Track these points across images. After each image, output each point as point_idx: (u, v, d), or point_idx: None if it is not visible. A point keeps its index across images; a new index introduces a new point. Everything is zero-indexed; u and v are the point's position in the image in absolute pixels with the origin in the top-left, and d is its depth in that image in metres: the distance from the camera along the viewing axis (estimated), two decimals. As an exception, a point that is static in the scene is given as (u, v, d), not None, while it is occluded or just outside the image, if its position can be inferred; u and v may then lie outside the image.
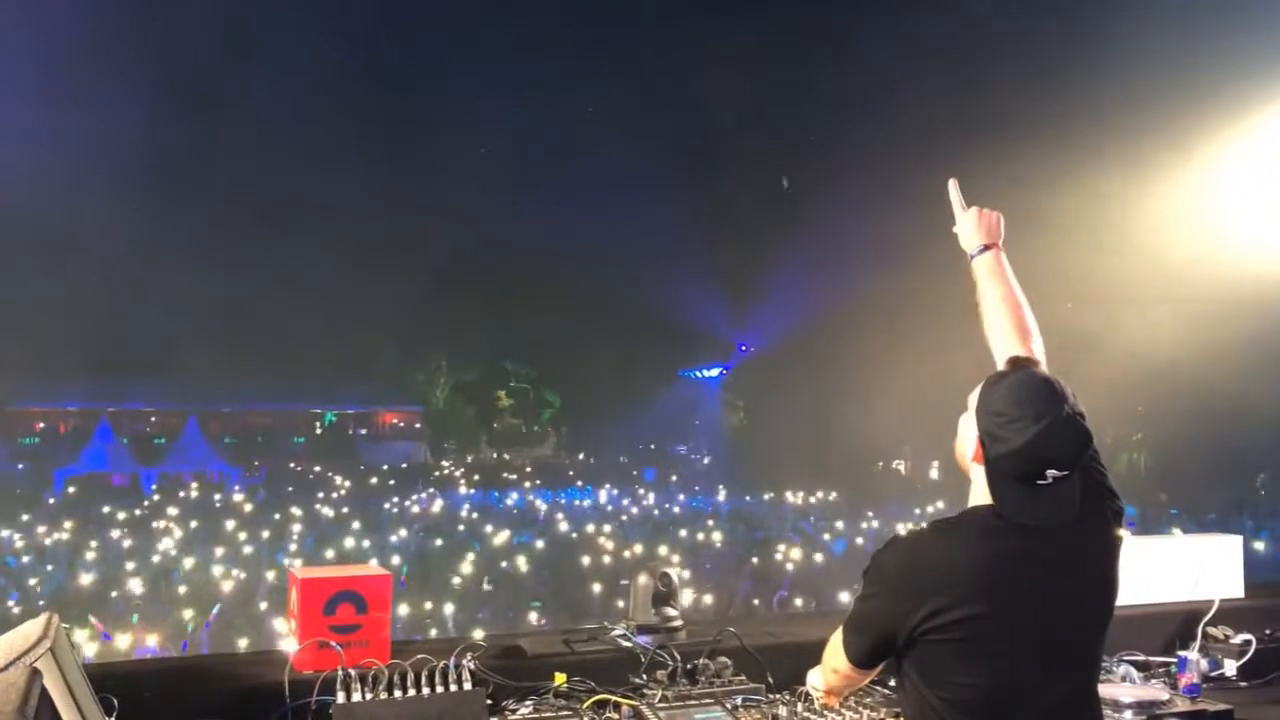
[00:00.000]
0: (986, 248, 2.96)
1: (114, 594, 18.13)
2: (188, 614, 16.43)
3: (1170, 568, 4.46)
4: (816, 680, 2.75)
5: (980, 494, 2.39)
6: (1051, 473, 2.26)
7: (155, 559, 22.15)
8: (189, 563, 21.62)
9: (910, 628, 2.30)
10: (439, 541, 24.92)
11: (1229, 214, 16.03)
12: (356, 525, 27.19)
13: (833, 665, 2.59)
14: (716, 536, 26.09)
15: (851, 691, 3.03)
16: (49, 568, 21.22)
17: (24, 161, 40.43)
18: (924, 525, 2.52)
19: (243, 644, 14.49)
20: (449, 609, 17.33)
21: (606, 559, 22.36)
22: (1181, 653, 3.79)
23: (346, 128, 60.03)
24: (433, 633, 15.31)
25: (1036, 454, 2.26)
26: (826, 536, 26.20)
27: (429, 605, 17.46)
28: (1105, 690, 3.53)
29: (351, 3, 61.76)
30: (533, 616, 16.45)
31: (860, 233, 39.00)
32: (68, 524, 26.61)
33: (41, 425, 47.81)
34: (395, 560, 21.21)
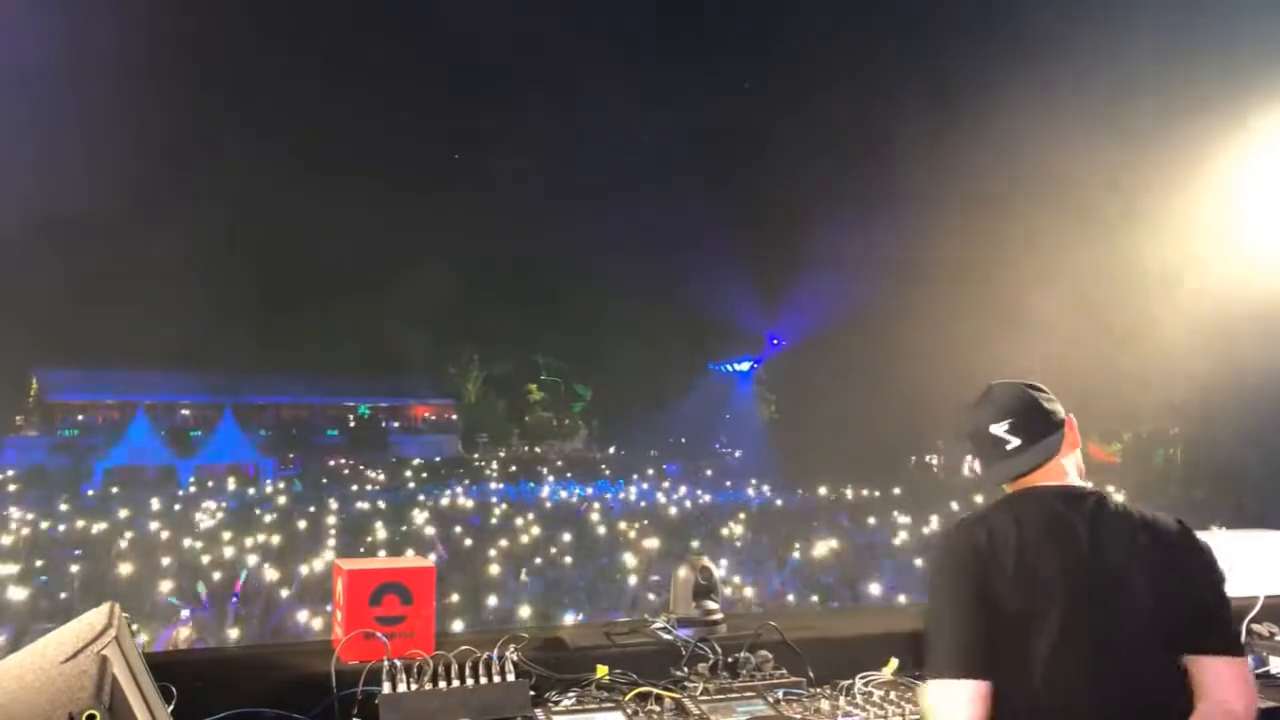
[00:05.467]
0: None
1: (151, 584, 18.38)
2: (231, 604, 16.64)
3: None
4: None
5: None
6: (995, 428, 2.53)
7: (192, 550, 22.42)
8: (225, 553, 21.89)
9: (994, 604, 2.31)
10: (470, 537, 25.05)
11: (1261, 208, 15.91)
12: (390, 517, 27.39)
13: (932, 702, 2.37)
14: (747, 531, 26.07)
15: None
16: (86, 558, 21.56)
17: (58, 154, 41.00)
18: (960, 517, 2.56)
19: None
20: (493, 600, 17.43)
21: (636, 552, 22.40)
22: (1225, 650, 3.74)
23: (381, 129, 60.39)
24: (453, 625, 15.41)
25: (976, 422, 2.56)
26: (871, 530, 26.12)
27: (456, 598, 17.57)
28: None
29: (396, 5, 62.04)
30: (568, 615, 16.49)
31: (893, 229, 38.77)
32: (109, 515, 27.00)
33: (81, 417, 48.44)
34: (431, 557, 21.35)
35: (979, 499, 31.68)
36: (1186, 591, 2.41)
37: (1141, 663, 2.34)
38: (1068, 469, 2.56)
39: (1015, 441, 2.51)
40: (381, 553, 21.16)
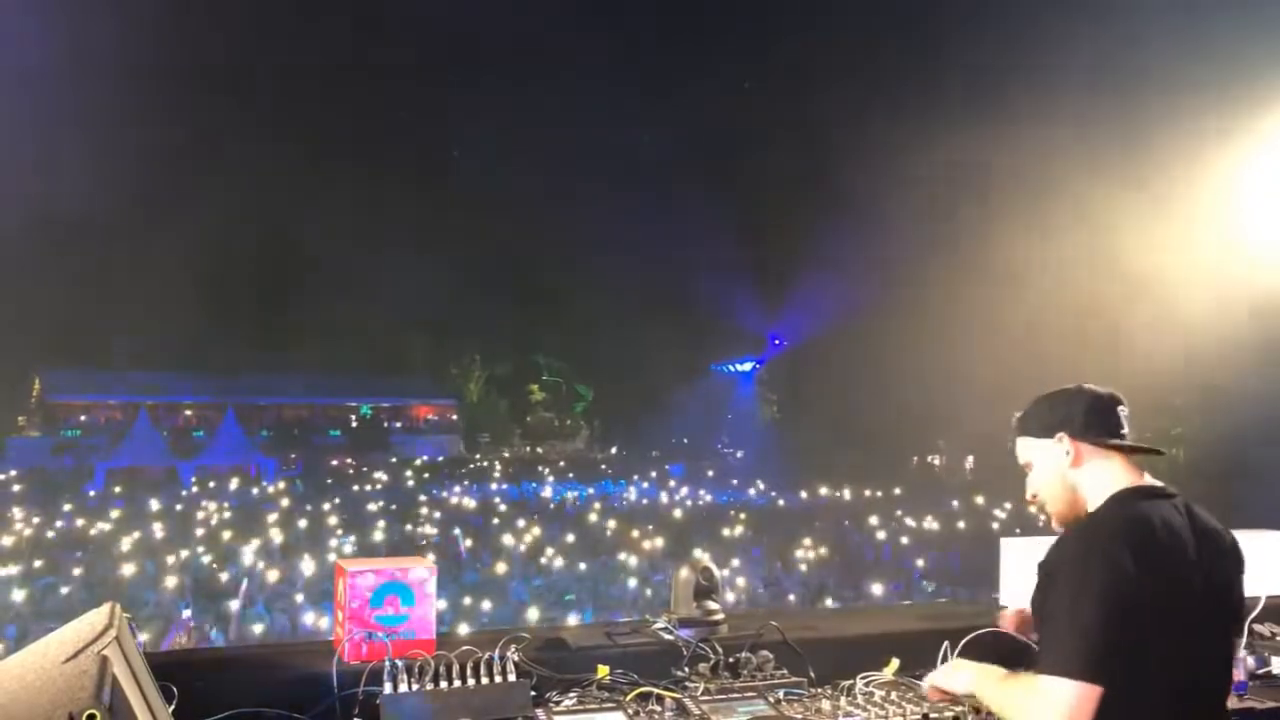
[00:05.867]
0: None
1: (153, 584, 18.41)
2: (233, 605, 16.68)
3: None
4: None
5: (1103, 484, 2.57)
6: (1122, 410, 2.62)
7: (194, 551, 22.44)
8: (226, 554, 21.91)
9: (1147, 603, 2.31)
10: (469, 537, 25.06)
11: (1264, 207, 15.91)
12: (393, 517, 27.41)
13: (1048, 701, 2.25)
14: (749, 532, 26.08)
15: None
16: (88, 559, 21.58)
17: (59, 154, 41.05)
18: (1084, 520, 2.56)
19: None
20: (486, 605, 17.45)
21: (638, 553, 22.43)
22: (1228, 650, 3.75)
23: (382, 128, 60.42)
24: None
25: (1105, 398, 2.63)
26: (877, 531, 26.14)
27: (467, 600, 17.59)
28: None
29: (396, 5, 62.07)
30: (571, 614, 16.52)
31: (894, 230, 38.77)
32: (110, 516, 27.02)
33: (83, 417, 48.49)
34: (434, 556, 21.39)
35: (979, 499, 31.71)
36: (1240, 592, 2.60)
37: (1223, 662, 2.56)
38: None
39: (1126, 428, 2.62)
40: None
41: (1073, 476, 2.61)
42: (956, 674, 2.76)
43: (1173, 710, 2.36)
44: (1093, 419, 2.59)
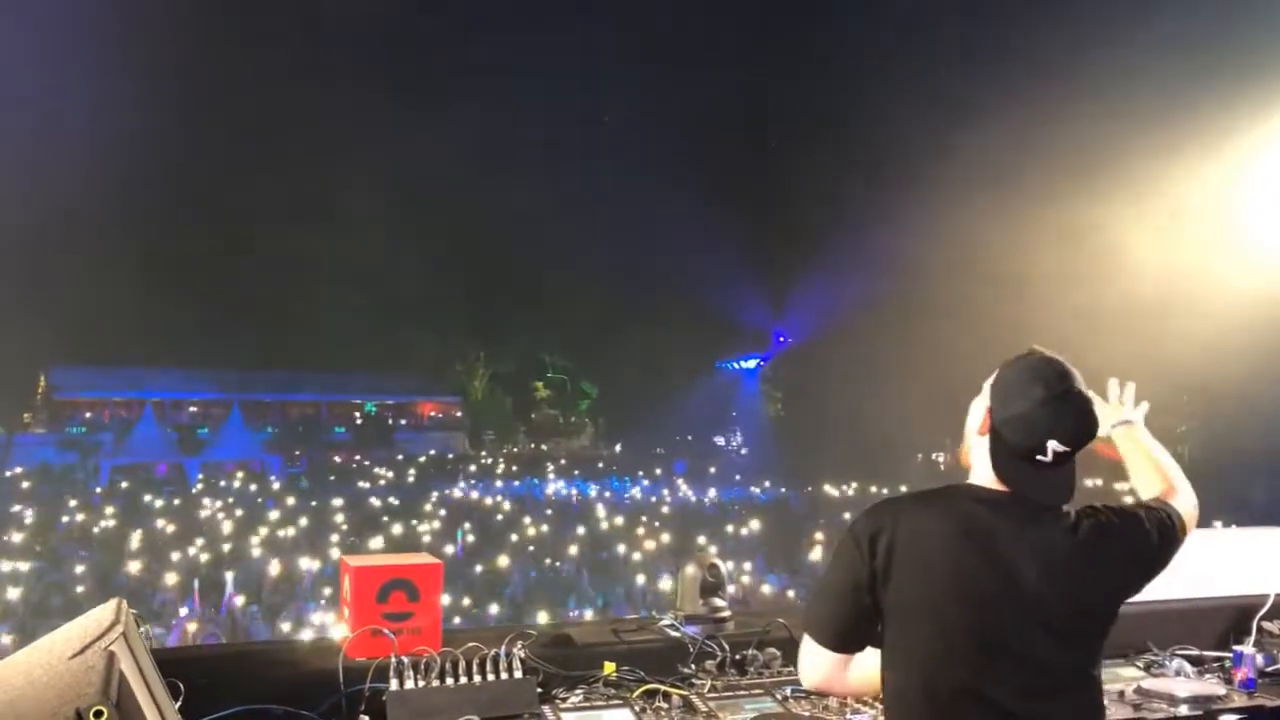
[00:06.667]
0: (1122, 424, 2.97)
1: (158, 581, 18.44)
2: (240, 600, 16.71)
3: (1223, 561, 4.39)
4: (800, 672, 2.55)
5: (978, 472, 2.45)
6: (1053, 445, 2.31)
7: (199, 547, 22.48)
8: (232, 550, 21.94)
9: (878, 590, 2.32)
10: (474, 533, 25.09)
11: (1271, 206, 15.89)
12: (399, 514, 27.44)
13: (803, 651, 2.48)
14: (754, 527, 26.07)
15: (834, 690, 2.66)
16: (94, 555, 21.63)
17: (65, 152, 41.10)
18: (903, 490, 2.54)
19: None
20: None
21: (642, 550, 22.43)
22: (1236, 647, 3.74)
23: (383, 126, 60.41)
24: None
25: (1042, 423, 2.33)
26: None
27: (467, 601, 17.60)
28: (1161, 684, 3.50)
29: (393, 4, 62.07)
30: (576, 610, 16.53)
31: (900, 227, 38.69)
32: (117, 512, 27.08)
33: (88, 414, 48.56)
34: (449, 549, 21.46)
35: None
36: (1097, 601, 2.44)
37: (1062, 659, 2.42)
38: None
39: (1047, 456, 2.40)
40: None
41: (973, 438, 2.48)
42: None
43: (946, 706, 2.30)
44: (1014, 427, 2.35)
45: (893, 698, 2.39)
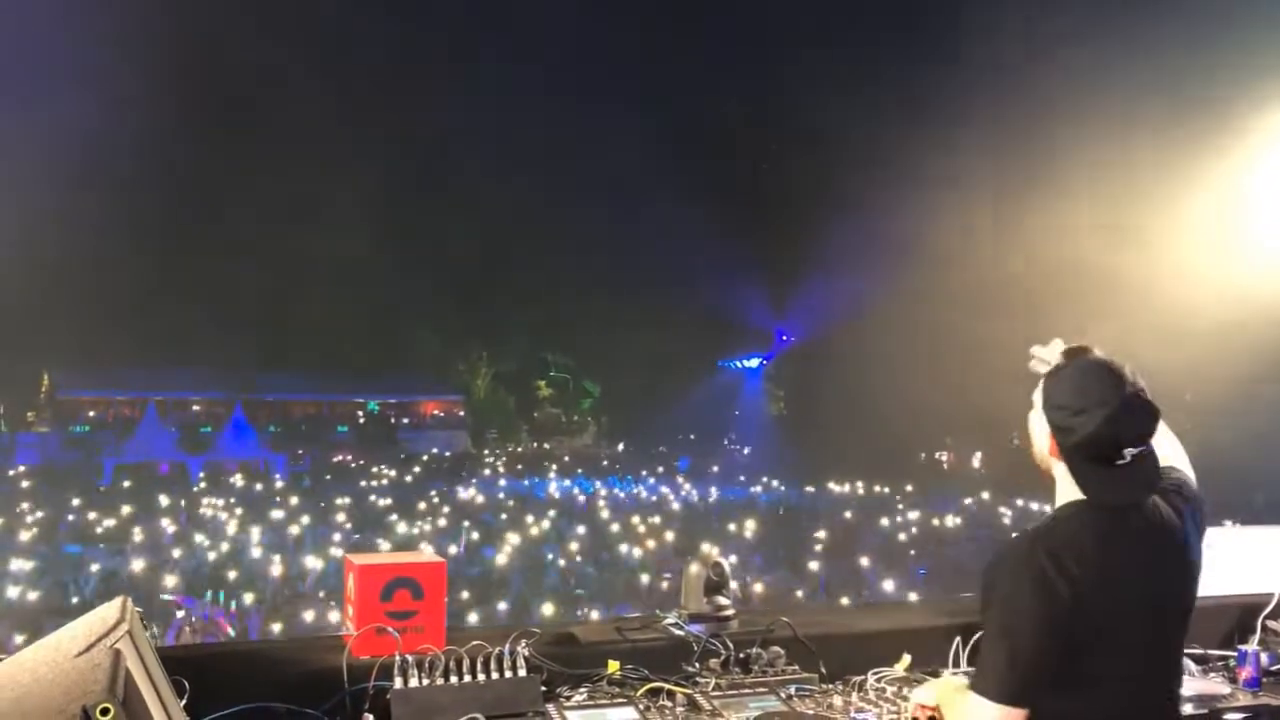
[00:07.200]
0: None
1: (162, 579, 18.45)
2: (249, 598, 16.74)
3: (1227, 559, 4.38)
4: None
5: (1067, 489, 2.44)
6: (1128, 451, 2.33)
7: (202, 546, 22.51)
8: (235, 549, 21.97)
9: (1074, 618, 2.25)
10: (477, 532, 25.09)
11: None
12: (400, 513, 27.44)
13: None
14: (755, 527, 26.06)
15: None
16: (98, 554, 21.65)
17: (67, 153, 41.12)
18: (1027, 529, 2.49)
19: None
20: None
21: (644, 548, 22.43)
22: (1241, 646, 3.74)
23: (383, 127, 60.40)
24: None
25: (1107, 438, 2.32)
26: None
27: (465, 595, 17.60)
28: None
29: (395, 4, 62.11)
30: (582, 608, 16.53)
31: (902, 225, 38.66)
32: (120, 511, 27.11)
33: (92, 413, 48.64)
34: (452, 549, 21.48)
35: (985, 495, 31.71)
36: (1182, 590, 2.51)
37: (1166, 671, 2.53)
38: None
39: (1126, 459, 2.43)
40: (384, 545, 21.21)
41: (1048, 460, 2.50)
42: (927, 689, 2.79)
43: None
44: (1086, 450, 2.36)
45: None
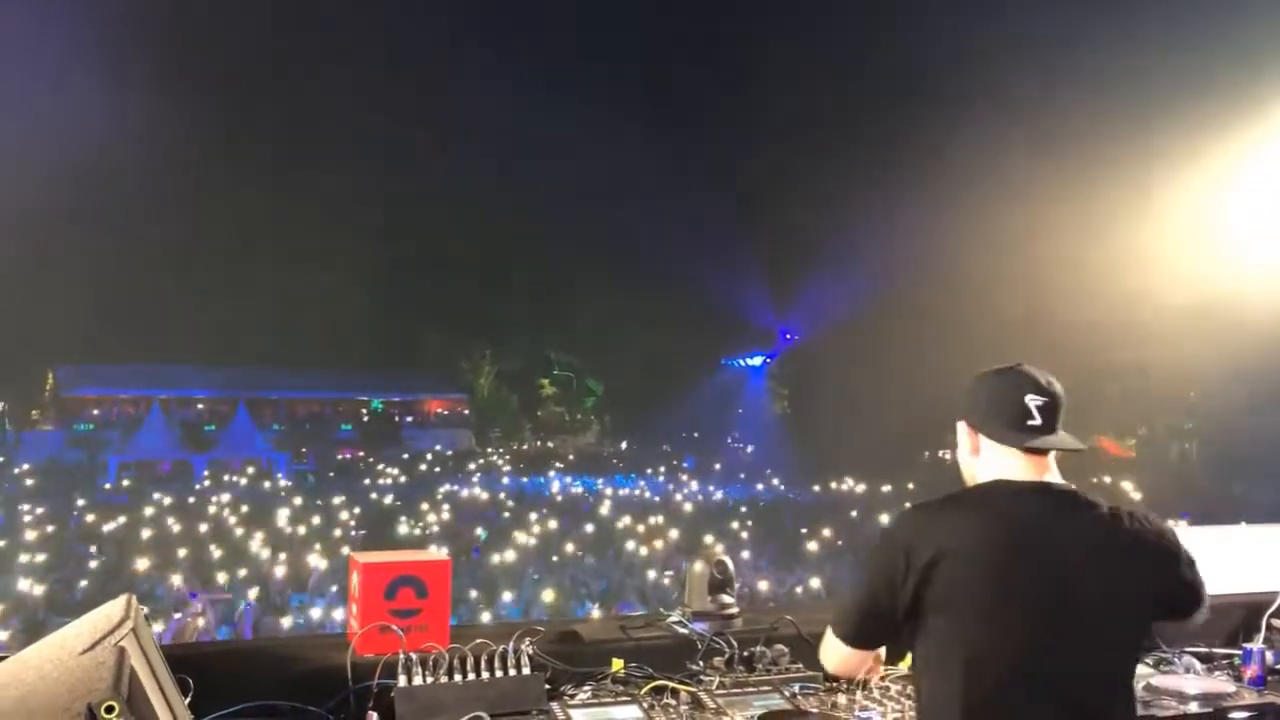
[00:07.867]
0: None
1: (166, 577, 18.48)
2: (250, 596, 16.75)
3: (1232, 558, 4.38)
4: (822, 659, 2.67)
5: (991, 468, 2.48)
6: (1032, 401, 2.40)
7: (206, 544, 22.53)
8: (239, 547, 21.99)
9: (912, 588, 2.32)
10: (481, 530, 25.10)
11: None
12: (405, 511, 27.46)
13: (825, 639, 2.59)
14: (759, 525, 26.06)
15: (859, 674, 2.90)
16: (102, 552, 21.68)
17: (72, 151, 41.19)
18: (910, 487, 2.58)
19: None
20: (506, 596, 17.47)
21: (647, 547, 22.42)
22: (1246, 644, 3.73)
23: (383, 126, 60.47)
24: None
25: (1011, 393, 2.43)
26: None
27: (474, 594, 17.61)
28: (1170, 682, 3.49)
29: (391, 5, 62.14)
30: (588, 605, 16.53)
31: (906, 224, 38.68)
32: (123, 509, 27.14)
33: (96, 412, 48.69)
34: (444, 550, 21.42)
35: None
36: (1138, 592, 2.42)
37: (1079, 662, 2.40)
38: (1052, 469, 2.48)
39: (1037, 419, 2.42)
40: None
41: (970, 464, 2.52)
42: None
43: (992, 696, 2.30)
44: (992, 410, 2.44)
45: (932, 705, 2.40)
